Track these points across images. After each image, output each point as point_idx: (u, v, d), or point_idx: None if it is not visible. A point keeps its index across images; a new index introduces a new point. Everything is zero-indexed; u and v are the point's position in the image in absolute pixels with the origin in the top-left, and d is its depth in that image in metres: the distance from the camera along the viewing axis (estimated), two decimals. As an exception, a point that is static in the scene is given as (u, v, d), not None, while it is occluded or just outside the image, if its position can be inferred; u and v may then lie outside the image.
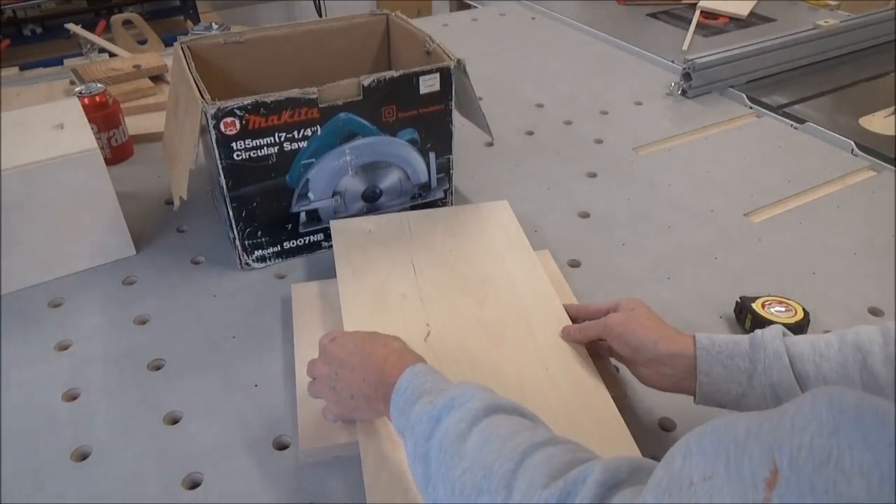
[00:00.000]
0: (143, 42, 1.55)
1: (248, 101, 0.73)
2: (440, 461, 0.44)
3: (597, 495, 0.35)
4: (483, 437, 0.43)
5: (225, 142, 0.75)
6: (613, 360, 0.69)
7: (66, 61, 1.51)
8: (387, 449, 0.58)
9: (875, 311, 0.80)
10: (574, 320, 0.70)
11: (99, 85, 1.06)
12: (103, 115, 1.04)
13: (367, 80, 0.78)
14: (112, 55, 1.41)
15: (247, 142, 0.76)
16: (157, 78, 1.27)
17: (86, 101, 1.01)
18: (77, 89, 1.05)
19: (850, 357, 0.52)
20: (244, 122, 0.74)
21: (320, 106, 0.77)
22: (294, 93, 0.75)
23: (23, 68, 1.52)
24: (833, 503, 0.23)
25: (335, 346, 0.59)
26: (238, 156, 0.76)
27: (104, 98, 1.04)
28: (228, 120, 0.74)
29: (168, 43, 1.53)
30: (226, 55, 0.90)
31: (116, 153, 1.07)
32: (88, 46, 1.45)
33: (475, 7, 1.84)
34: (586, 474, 0.36)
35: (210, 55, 0.89)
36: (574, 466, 0.38)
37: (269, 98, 0.74)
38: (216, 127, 0.73)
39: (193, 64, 0.81)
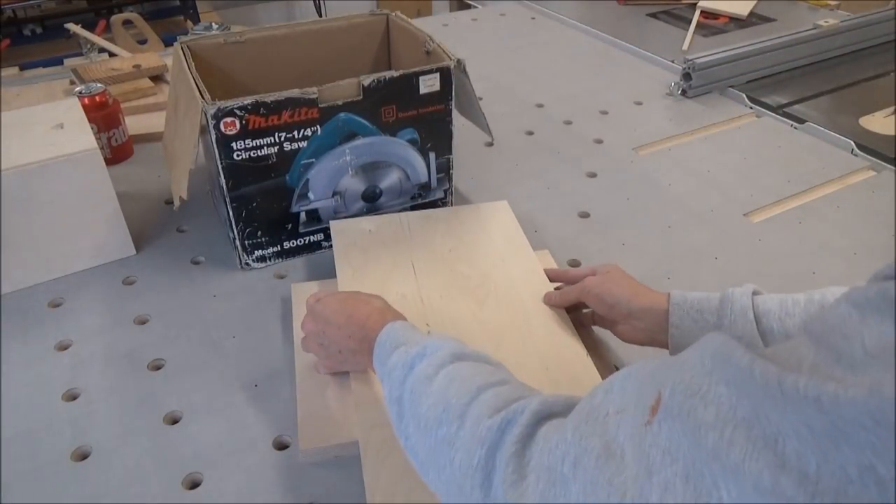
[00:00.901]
0: (143, 42, 1.55)
1: (248, 101, 0.73)
2: (411, 401, 0.48)
3: (531, 424, 0.39)
4: (447, 378, 0.47)
5: (225, 142, 0.75)
6: (614, 364, 0.69)
7: (66, 61, 1.52)
8: (387, 449, 0.58)
9: (875, 311, 0.80)
10: (553, 280, 0.75)
11: (99, 85, 1.06)
12: (103, 115, 1.04)
13: (367, 80, 0.78)
14: (112, 55, 1.41)
15: (247, 142, 0.76)
16: (157, 78, 1.28)
17: (86, 100, 1.01)
18: (77, 89, 1.05)
19: (814, 314, 0.54)
20: (244, 121, 0.74)
21: (320, 106, 0.77)
22: (294, 93, 0.75)
23: (23, 68, 1.52)
24: (689, 423, 0.28)
25: (321, 305, 0.64)
26: (238, 156, 0.76)
27: (104, 98, 1.04)
28: (228, 120, 0.74)
29: (168, 43, 1.53)
30: (226, 55, 0.90)
31: (116, 153, 1.07)
32: (88, 46, 1.45)
33: (475, 7, 1.84)
34: (525, 406, 0.40)
35: (210, 55, 0.89)
36: (518, 401, 0.42)
37: (269, 98, 0.74)
38: (216, 127, 0.73)
39: (193, 64, 0.81)
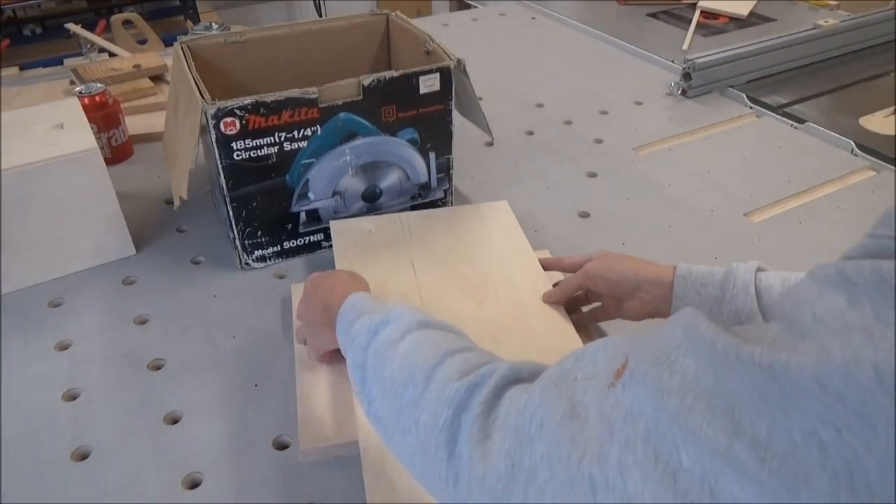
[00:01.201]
0: (143, 42, 1.55)
1: (248, 100, 0.73)
2: (375, 365, 0.48)
3: (498, 386, 0.39)
4: (413, 343, 0.47)
5: (225, 141, 0.75)
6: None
7: (66, 61, 1.51)
8: (387, 449, 0.58)
9: (875, 311, 0.80)
10: (548, 269, 0.76)
11: (99, 85, 1.06)
12: (103, 115, 1.04)
13: (366, 80, 0.78)
14: (112, 55, 1.41)
15: (247, 142, 0.76)
16: (157, 78, 1.28)
17: (86, 100, 1.01)
18: (77, 89, 1.05)
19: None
20: (244, 121, 0.74)
21: (320, 106, 0.77)
22: (294, 93, 0.75)
23: (23, 68, 1.52)
24: (653, 388, 0.29)
25: (308, 284, 0.65)
26: (238, 156, 0.76)
27: (104, 98, 1.04)
28: (228, 120, 0.74)
29: (168, 43, 1.53)
30: (226, 55, 0.90)
31: (116, 153, 1.07)
32: (88, 46, 1.45)
33: (475, 7, 1.84)
34: (493, 369, 0.41)
35: (210, 55, 0.89)
36: (486, 365, 0.42)
37: (269, 98, 0.74)
38: (216, 127, 0.73)
39: (193, 64, 0.81)
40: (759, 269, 0.59)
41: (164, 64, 1.27)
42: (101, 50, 1.44)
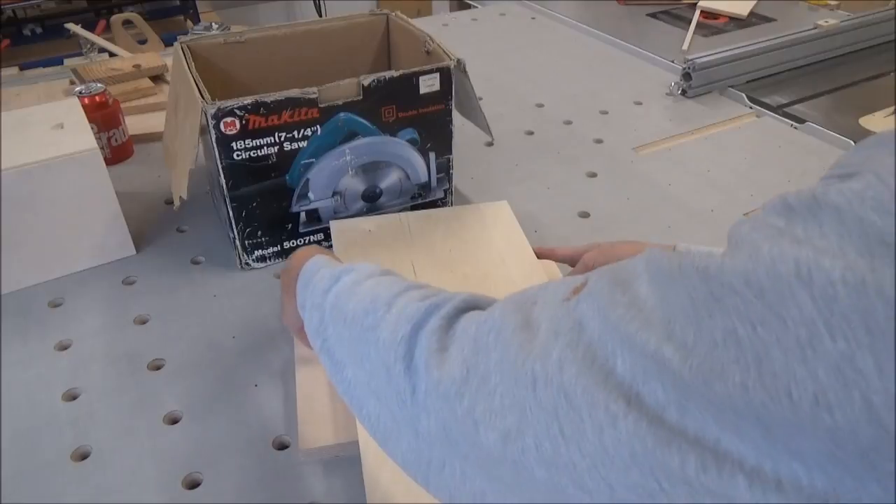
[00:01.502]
0: (143, 42, 1.55)
1: (248, 100, 0.73)
2: (335, 305, 0.47)
3: (458, 308, 0.40)
4: (375, 283, 0.47)
5: (225, 142, 0.75)
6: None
7: (66, 61, 1.51)
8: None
9: (875, 311, 0.80)
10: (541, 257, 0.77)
11: (99, 85, 1.06)
12: (103, 115, 1.04)
13: (366, 80, 0.78)
14: (112, 55, 1.41)
15: (247, 142, 0.76)
16: (157, 78, 1.28)
17: (86, 100, 1.01)
18: (77, 89, 1.05)
19: None
20: (244, 121, 0.74)
21: (320, 106, 0.77)
22: (294, 93, 0.75)
23: (23, 68, 1.52)
24: (603, 302, 0.30)
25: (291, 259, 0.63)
26: (238, 156, 0.76)
27: (104, 98, 1.04)
28: (228, 120, 0.74)
29: (168, 43, 1.53)
30: (226, 55, 0.90)
31: (116, 153, 1.07)
32: (88, 46, 1.45)
33: (475, 7, 1.84)
34: (454, 295, 0.42)
35: (210, 55, 0.89)
36: (447, 293, 0.43)
37: (269, 98, 0.74)
38: (216, 127, 0.73)
39: (193, 64, 0.81)
40: None
41: (164, 64, 1.27)
42: (101, 50, 1.44)
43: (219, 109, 0.73)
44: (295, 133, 0.78)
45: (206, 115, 0.72)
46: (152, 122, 1.16)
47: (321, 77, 0.80)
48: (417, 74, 0.81)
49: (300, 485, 0.61)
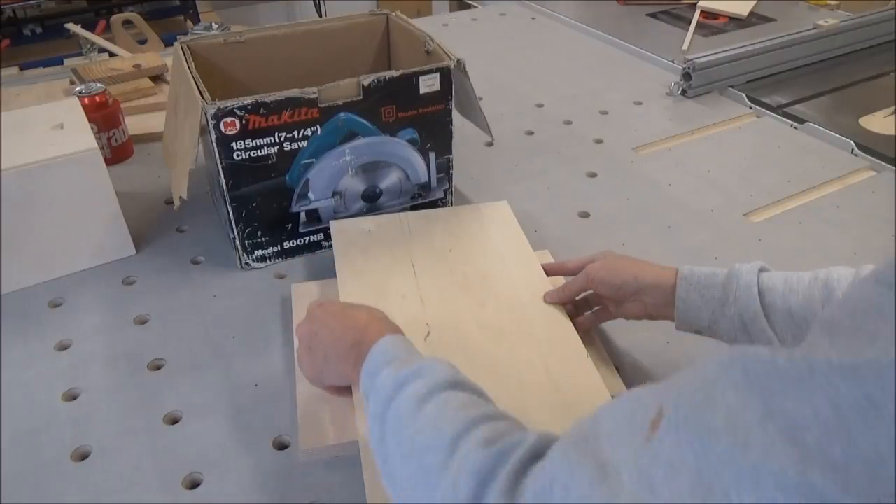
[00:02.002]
0: (142, 42, 1.55)
1: (248, 100, 0.73)
2: (396, 421, 0.46)
3: (525, 459, 0.37)
4: (440, 404, 0.45)
5: (225, 141, 0.75)
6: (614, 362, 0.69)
7: (66, 61, 1.51)
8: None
9: (875, 311, 0.80)
10: (551, 274, 0.75)
11: (99, 85, 1.06)
12: (103, 115, 1.03)
13: (366, 80, 0.78)
14: (112, 55, 1.41)
15: (247, 142, 0.76)
16: (157, 78, 1.28)
17: (86, 100, 1.01)
18: (77, 89, 1.05)
19: (818, 293, 0.55)
20: (244, 121, 0.74)
21: (320, 106, 0.77)
22: (294, 93, 0.75)
23: (23, 68, 1.52)
24: (696, 432, 0.26)
25: (321, 309, 0.62)
26: (238, 155, 0.76)
27: (104, 98, 1.04)
28: (228, 120, 0.74)
29: (168, 43, 1.53)
30: (226, 55, 0.90)
31: (116, 153, 1.07)
32: (88, 46, 1.45)
33: (475, 7, 1.84)
34: (522, 439, 0.39)
35: (210, 55, 0.89)
36: (514, 434, 0.40)
37: (269, 98, 0.74)
38: (216, 127, 0.73)
39: (193, 64, 0.81)
40: (761, 270, 0.59)
41: (164, 64, 1.27)
42: (101, 50, 1.44)
43: (219, 109, 0.73)
44: (295, 133, 0.78)
45: (206, 115, 0.72)
46: (152, 122, 1.16)
47: (321, 77, 0.80)
48: (417, 74, 0.81)
49: (300, 485, 0.61)
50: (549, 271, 0.75)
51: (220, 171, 0.77)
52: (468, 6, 1.88)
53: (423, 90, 0.82)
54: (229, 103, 0.73)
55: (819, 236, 0.92)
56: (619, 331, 0.75)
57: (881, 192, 1.01)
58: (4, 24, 2.18)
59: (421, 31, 0.89)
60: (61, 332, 0.77)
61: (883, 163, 1.08)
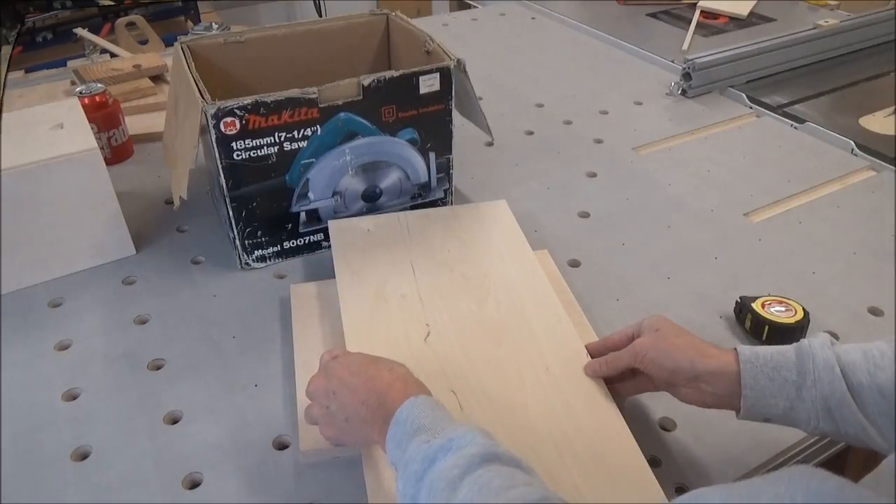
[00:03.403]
0: (144, 42, 1.55)
1: (247, 100, 0.73)
2: None
3: None
4: (475, 488, 0.42)
5: (225, 141, 0.75)
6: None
7: (69, 62, 1.51)
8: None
9: (875, 311, 0.80)
10: (596, 356, 0.66)
11: (99, 85, 1.06)
12: (103, 115, 1.03)
13: (366, 80, 0.78)
14: (113, 55, 1.41)
15: (247, 141, 0.76)
16: (158, 78, 1.28)
17: (86, 100, 1.01)
18: (77, 89, 1.05)
19: None
20: (244, 121, 0.74)
21: (320, 106, 0.77)
22: (294, 92, 0.75)
23: (28, 71, 1.52)
24: None
25: (338, 364, 0.58)
26: (238, 155, 0.76)
27: (104, 98, 1.04)
28: (228, 120, 0.74)
29: (168, 43, 1.53)
30: (226, 55, 0.90)
31: (116, 153, 1.07)
32: (91, 48, 1.45)
33: (475, 7, 1.84)
34: None
35: (210, 55, 0.89)
36: None
37: (269, 98, 0.74)
38: (216, 127, 0.73)
39: (193, 64, 0.81)
40: (832, 343, 0.53)
41: (165, 64, 1.27)
42: (104, 51, 1.44)
43: (219, 109, 0.73)
44: (295, 133, 0.78)
45: (206, 114, 0.72)
46: (152, 122, 1.16)
47: (321, 77, 0.80)
48: (417, 74, 0.81)
49: (300, 485, 0.61)
50: (591, 351, 0.67)
51: (220, 171, 0.77)
52: (468, 6, 1.87)
53: (423, 90, 0.82)
54: (229, 103, 0.73)
55: (819, 236, 0.92)
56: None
57: (881, 192, 1.01)
58: (22, 34, 2.18)
59: (421, 30, 0.89)
60: (61, 332, 0.77)
61: (883, 163, 1.08)
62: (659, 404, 0.67)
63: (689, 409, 0.59)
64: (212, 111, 0.72)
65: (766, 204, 0.99)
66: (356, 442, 0.58)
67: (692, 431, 0.65)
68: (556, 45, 1.54)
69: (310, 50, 0.94)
